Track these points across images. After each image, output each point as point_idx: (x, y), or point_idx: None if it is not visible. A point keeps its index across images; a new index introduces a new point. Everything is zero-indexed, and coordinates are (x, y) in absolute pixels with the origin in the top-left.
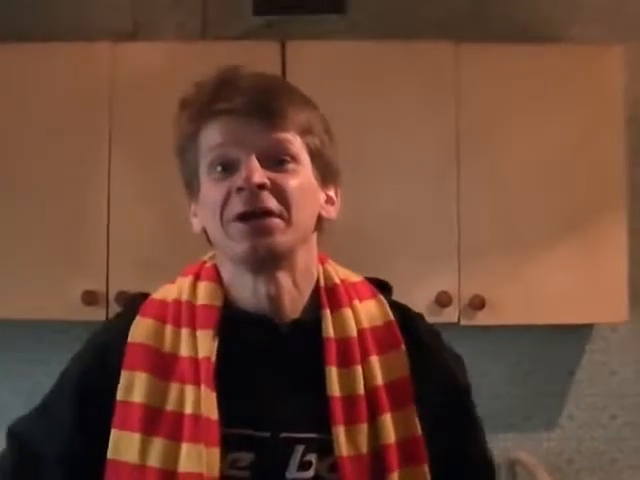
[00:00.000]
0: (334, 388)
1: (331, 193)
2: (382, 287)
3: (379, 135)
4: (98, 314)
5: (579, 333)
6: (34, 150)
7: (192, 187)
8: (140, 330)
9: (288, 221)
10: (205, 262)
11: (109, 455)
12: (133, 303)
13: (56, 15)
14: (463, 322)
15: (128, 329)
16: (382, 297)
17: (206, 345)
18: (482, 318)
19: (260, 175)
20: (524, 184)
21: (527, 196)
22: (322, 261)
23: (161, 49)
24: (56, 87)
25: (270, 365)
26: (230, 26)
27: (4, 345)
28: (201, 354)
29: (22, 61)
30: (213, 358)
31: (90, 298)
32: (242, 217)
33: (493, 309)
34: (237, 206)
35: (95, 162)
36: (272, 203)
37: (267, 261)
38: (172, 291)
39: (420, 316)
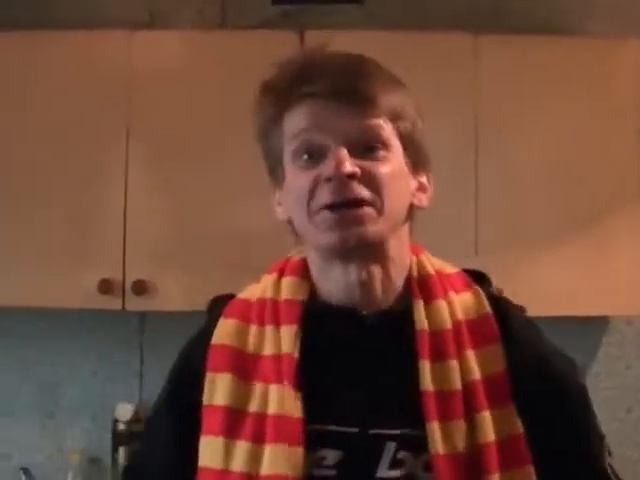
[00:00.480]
0: (428, 382)
1: (423, 180)
2: (479, 279)
3: None
4: (114, 303)
5: (595, 326)
6: (52, 139)
7: (276, 174)
8: (223, 331)
9: (380, 210)
10: (289, 258)
11: (199, 463)
12: (217, 305)
13: (72, 3)
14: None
15: (212, 332)
16: (478, 288)
17: (288, 341)
18: None
19: (351, 164)
20: (541, 177)
21: (544, 189)
22: (416, 252)
23: (178, 38)
24: (73, 76)
25: (357, 358)
26: (248, 15)
27: (19, 333)
28: (284, 350)
29: (38, 50)
30: (296, 354)
31: (106, 287)
32: (331, 207)
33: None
34: (325, 195)
35: (112, 152)
36: (364, 192)
37: (357, 251)
38: (257, 290)
39: (520, 309)
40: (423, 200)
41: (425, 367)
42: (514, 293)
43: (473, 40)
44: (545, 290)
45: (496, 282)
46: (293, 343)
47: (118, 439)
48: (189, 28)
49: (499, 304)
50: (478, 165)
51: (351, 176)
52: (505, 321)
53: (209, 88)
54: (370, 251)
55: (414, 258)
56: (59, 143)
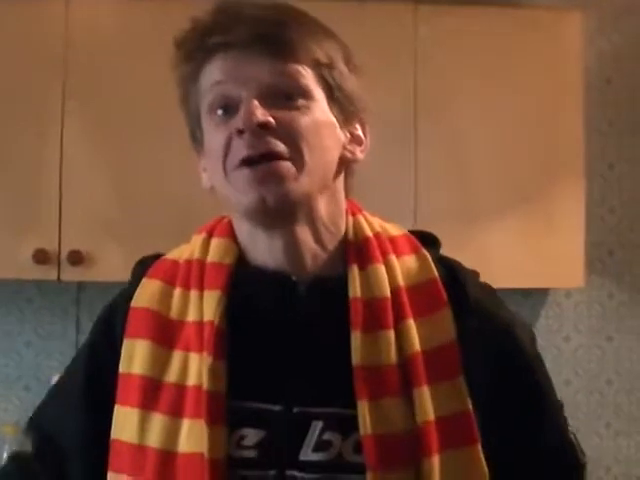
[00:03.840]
0: (359, 356)
1: (356, 131)
2: (428, 241)
3: None
4: (49, 273)
5: (534, 298)
6: None
7: (196, 137)
8: (145, 293)
9: (300, 164)
10: (223, 218)
11: (112, 434)
12: (142, 265)
13: None
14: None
15: (133, 294)
16: (426, 252)
17: (211, 307)
18: None
19: (262, 113)
20: (481, 149)
21: (484, 161)
22: (354, 211)
23: (114, 5)
24: (7, 45)
25: (286, 328)
26: None
27: None
28: (206, 317)
29: None
30: (217, 322)
31: (41, 257)
32: (246, 163)
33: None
34: (240, 150)
35: (48, 121)
36: (279, 145)
37: (279, 213)
38: (185, 250)
39: (472, 273)
40: (357, 152)
41: (356, 339)
42: None
43: (413, 9)
44: (485, 261)
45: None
46: (215, 310)
47: None
48: None
49: (450, 268)
50: (418, 135)
51: (263, 126)
52: (456, 287)
53: (146, 55)
54: (294, 212)
55: (350, 219)
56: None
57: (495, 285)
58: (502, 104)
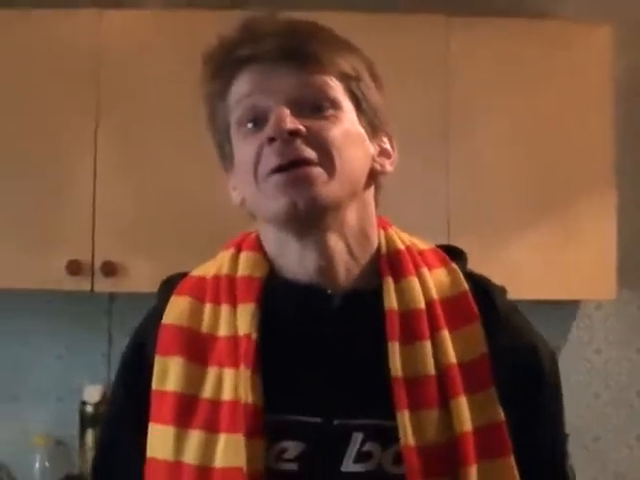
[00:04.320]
0: (398, 367)
1: (384, 144)
2: (455, 255)
3: None
4: (82, 284)
5: (564, 311)
6: (19, 120)
7: (225, 154)
8: (175, 310)
9: (331, 170)
10: (250, 233)
11: (147, 453)
12: (169, 284)
13: None
14: None
15: (162, 312)
16: (454, 265)
17: (246, 321)
18: None
19: (292, 121)
20: (511, 160)
21: (516, 172)
22: (384, 225)
23: (147, 17)
24: (41, 55)
25: (321, 341)
26: None
27: None
28: (241, 331)
29: (5, 29)
30: (254, 335)
31: (75, 268)
32: (277, 170)
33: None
34: (270, 159)
35: (81, 132)
36: (310, 152)
37: (310, 218)
38: (212, 266)
39: (501, 288)
40: (386, 165)
41: (395, 350)
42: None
43: (445, 21)
44: (515, 274)
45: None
46: (250, 323)
47: (86, 421)
48: (157, 7)
49: (478, 283)
50: (449, 148)
51: (294, 133)
52: (486, 301)
53: (178, 68)
54: (326, 219)
55: (382, 232)
56: (28, 124)
57: (526, 297)
58: (530, 117)
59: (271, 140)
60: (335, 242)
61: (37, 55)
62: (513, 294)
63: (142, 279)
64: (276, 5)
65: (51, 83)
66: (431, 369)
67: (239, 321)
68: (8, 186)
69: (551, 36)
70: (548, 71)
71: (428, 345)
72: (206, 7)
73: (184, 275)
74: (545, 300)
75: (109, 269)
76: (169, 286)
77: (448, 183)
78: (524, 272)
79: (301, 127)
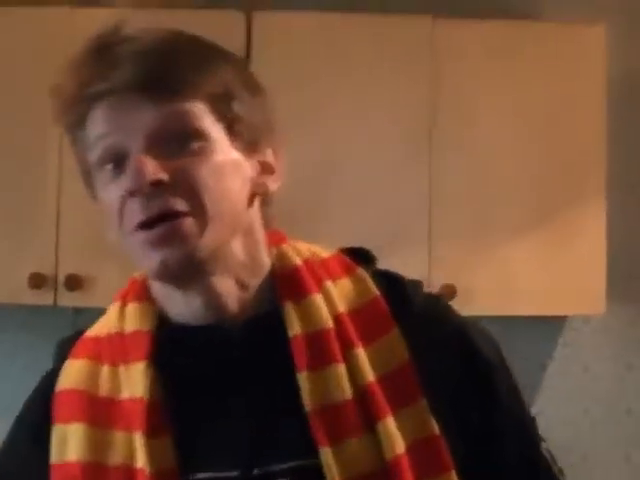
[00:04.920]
0: (310, 398)
1: (267, 158)
2: (362, 258)
3: (350, 111)
4: (45, 298)
5: (551, 325)
6: None
7: (90, 187)
8: (71, 374)
9: (203, 218)
10: (135, 280)
11: None
12: (63, 347)
13: None
14: None
15: (57, 377)
16: (361, 270)
17: (138, 381)
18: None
19: (152, 170)
20: (499, 166)
21: (502, 179)
22: (277, 241)
23: (119, 15)
24: (8, 55)
25: (226, 384)
26: None
27: None
28: (135, 393)
29: None
30: (147, 396)
31: (37, 281)
32: (142, 226)
33: (464, 299)
34: (134, 213)
35: (46, 137)
36: (177, 202)
37: (187, 274)
38: (105, 324)
39: (414, 282)
40: (269, 184)
41: (304, 380)
42: (471, 291)
43: (432, 23)
44: (502, 285)
45: (452, 280)
46: (143, 384)
47: None
48: (130, 6)
49: (390, 282)
50: (433, 152)
51: (156, 184)
52: (399, 301)
53: None
54: (205, 268)
55: (274, 250)
56: None
57: (513, 312)
58: (521, 119)
59: (132, 193)
60: (221, 282)
61: (4, 55)
62: (498, 310)
63: (109, 293)
64: (246, 5)
65: (18, 85)
66: (348, 394)
67: (132, 382)
68: None
69: (541, 36)
70: (539, 74)
71: (341, 367)
72: (179, 6)
73: (78, 335)
74: (532, 316)
75: (74, 282)
76: (64, 349)
77: (431, 185)
78: (511, 283)
79: (162, 176)
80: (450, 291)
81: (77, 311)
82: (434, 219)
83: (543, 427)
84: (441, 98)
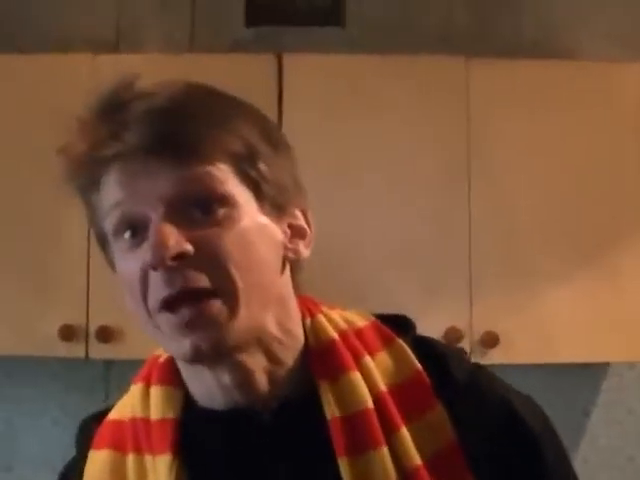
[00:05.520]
0: None
1: (297, 221)
2: (401, 326)
3: (383, 153)
4: (76, 350)
5: (594, 370)
6: (5, 171)
7: (107, 254)
8: (95, 469)
9: (233, 298)
10: (158, 357)
11: None
12: (85, 433)
13: (33, 24)
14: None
15: (81, 472)
16: (400, 341)
17: (163, 476)
18: (495, 356)
19: (175, 241)
20: (537, 208)
21: (540, 222)
22: (311, 311)
23: (144, 61)
24: (32, 101)
25: (257, 473)
26: (219, 37)
27: None
28: None
29: None
30: None
31: (68, 333)
32: (167, 304)
33: (506, 347)
34: (158, 289)
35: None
36: (202, 279)
37: (220, 356)
38: (128, 406)
39: (457, 351)
40: (300, 249)
41: (345, 466)
42: (513, 338)
43: (465, 63)
44: (544, 335)
45: (494, 328)
46: (167, 478)
47: None
48: (156, 51)
49: (431, 352)
50: (471, 195)
51: (178, 257)
52: (443, 374)
53: None
54: (241, 347)
55: (309, 321)
56: (14, 175)
57: (555, 360)
58: (557, 160)
59: (154, 268)
60: (254, 359)
61: (28, 102)
62: (538, 358)
63: (140, 344)
64: (275, 48)
65: (42, 131)
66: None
67: (158, 475)
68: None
69: (576, 76)
70: (575, 112)
71: (384, 452)
72: (208, 50)
73: (100, 418)
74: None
75: (105, 334)
76: (86, 434)
77: (470, 234)
78: (555, 334)
79: (187, 248)
80: (492, 338)
81: (108, 361)
82: (474, 267)
83: (589, 475)
84: (476, 140)
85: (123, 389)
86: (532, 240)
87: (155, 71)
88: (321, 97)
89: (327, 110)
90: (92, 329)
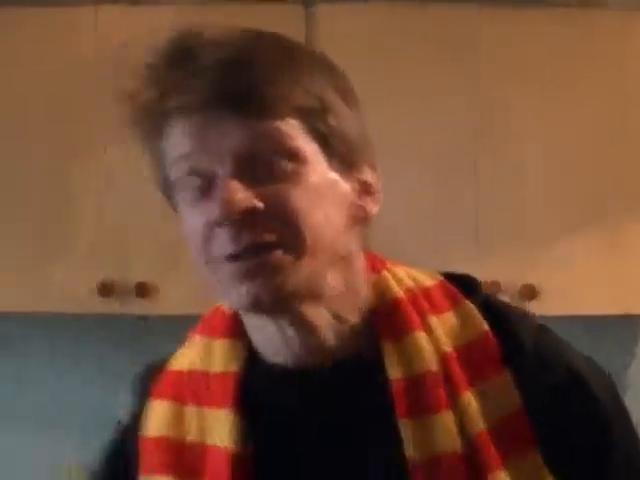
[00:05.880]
0: (414, 449)
1: (366, 177)
2: (468, 287)
3: (400, 105)
4: (113, 306)
5: (629, 324)
6: (16, 126)
7: (170, 199)
8: (155, 419)
9: (299, 249)
10: (221, 311)
11: None
12: (144, 382)
13: None
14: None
15: (141, 420)
16: (467, 301)
17: (224, 430)
18: (534, 309)
19: (243, 197)
20: (551, 164)
21: (555, 177)
22: (377, 267)
23: (163, 14)
24: (38, 57)
25: (321, 433)
26: None
27: (9, 341)
28: (220, 443)
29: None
30: (231, 447)
31: (106, 289)
32: (231, 258)
33: (544, 299)
34: (223, 244)
35: (95, 137)
36: (267, 234)
37: (279, 307)
38: (187, 357)
39: (525, 315)
40: (369, 206)
41: (406, 429)
42: (551, 290)
43: (477, 12)
44: (582, 286)
45: (507, 279)
46: (228, 433)
47: None
48: (176, 2)
49: (498, 315)
50: (480, 151)
51: (246, 213)
52: (511, 336)
53: None
54: (299, 299)
55: (373, 278)
56: (38, 128)
57: (578, 312)
58: (572, 117)
59: (220, 223)
60: (318, 314)
61: (34, 58)
62: (560, 309)
63: (176, 300)
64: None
65: (51, 87)
66: (457, 445)
67: (218, 429)
68: (33, 204)
69: (589, 25)
70: (591, 67)
71: (448, 415)
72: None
73: (159, 367)
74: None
75: (142, 290)
76: (145, 385)
77: (479, 188)
78: (572, 285)
79: (256, 203)
80: (529, 291)
81: (144, 318)
82: (481, 218)
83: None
84: (487, 93)
85: (158, 345)
86: (542, 198)
87: (176, 23)
88: (352, 51)
89: (354, 61)
90: (130, 285)
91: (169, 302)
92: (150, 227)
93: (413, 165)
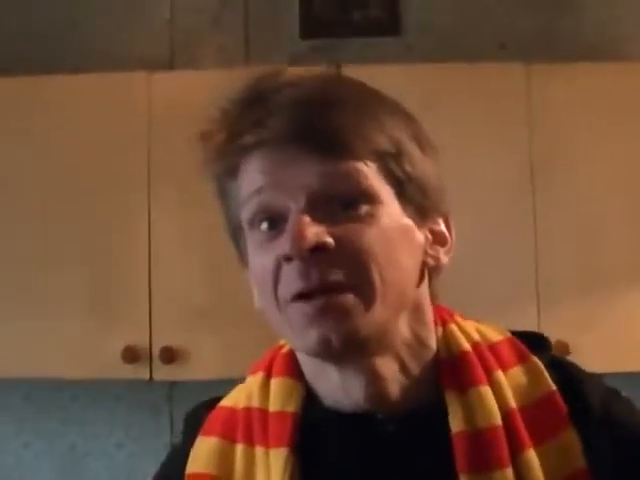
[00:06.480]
0: None
1: (439, 227)
2: (537, 345)
3: (446, 164)
4: (140, 372)
5: None
6: (66, 195)
7: (239, 248)
8: (201, 455)
9: (369, 294)
10: (281, 347)
11: None
12: (195, 418)
13: (87, 44)
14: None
15: (187, 455)
16: (535, 359)
17: (278, 470)
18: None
19: (315, 232)
20: (607, 212)
21: (611, 226)
22: (444, 319)
23: (199, 78)
24: (89, 123)
25: (375, 477)
26: (275, 51)
27: (38, 405)
28: None
29: (54, 94)
30: None
31: (131, 355)
32: (302, 297)
33: (577, 357)
34: (292, 282)
35: (133, 205)
36: (338, 274)
37: (349, 353)
38: (242, 395)
39: (593, 376)
40: (441, 255)
41: None
42: (584, 348)
43: (525, 69)
44: (617, 343)
45: (564, 337)
46: (283, 473)
47: None
48: (211, 67)
49: (566, 374)
50: (536, 199)
51: (317, 249)
52: (579, 398)
53: None
54: (369, 347)
55: (440, 330)
56: (74, 199)
57: (629, 368)
58: (625, 161)
59: (288, 259)
60: (385, 364)
61: (84, 123)
62: (618, 366)
63: (205, 366)
64: (339, 59)
65: (102, 151)
66: None
67: (271, 469)
68: (58, 269)
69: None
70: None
71: (509, 473)
72: (264, 64)
73: (212, 405)
74: None
75: (168, 355)
76: (195, 422)
77: (536, 241)
78: (628, 341)
79: (327, 239)
80: (562, 347)
81: (172, 382)
82: (541, 272)
83: None
84: (539, 145)
85: (187, 410)
86: (602, 245)
87: (211, 87)
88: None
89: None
90: (155, 350)
91: (198, 367)
92: (175, 290)
93: (469, 217)
